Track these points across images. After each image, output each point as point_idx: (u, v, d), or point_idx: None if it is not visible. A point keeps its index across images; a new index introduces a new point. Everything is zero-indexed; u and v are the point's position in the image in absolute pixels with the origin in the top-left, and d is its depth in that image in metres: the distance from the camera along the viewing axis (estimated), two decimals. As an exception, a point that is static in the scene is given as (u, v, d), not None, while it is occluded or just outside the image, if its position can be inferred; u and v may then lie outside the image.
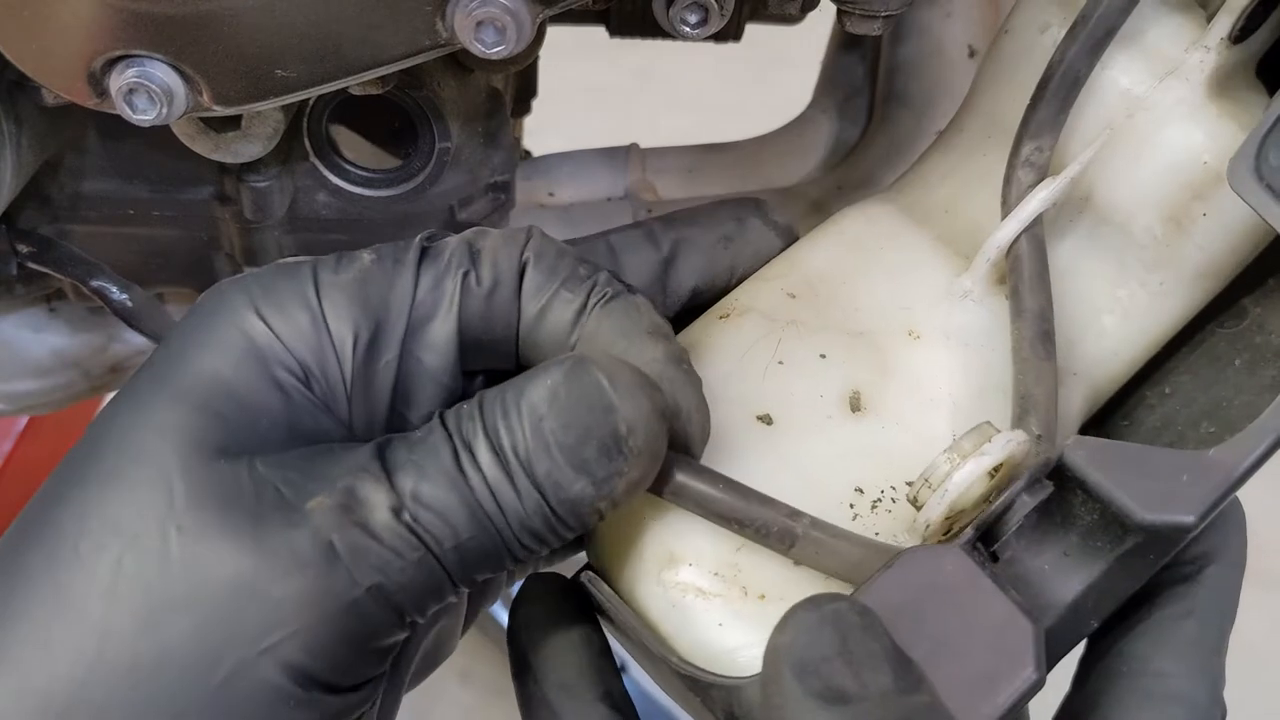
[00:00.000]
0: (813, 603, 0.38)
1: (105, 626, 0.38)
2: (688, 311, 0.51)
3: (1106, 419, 0.52)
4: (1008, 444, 0.41)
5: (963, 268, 0.50)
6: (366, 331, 0.42)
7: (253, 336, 0.42)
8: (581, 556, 0.48)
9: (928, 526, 0.42)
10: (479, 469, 0.40)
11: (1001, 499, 0.41)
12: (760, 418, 0.47)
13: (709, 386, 0.45)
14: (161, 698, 0.38)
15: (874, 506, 0.45)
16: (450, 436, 0.40)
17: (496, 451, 0.40)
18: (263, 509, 0.39)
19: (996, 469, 0.42)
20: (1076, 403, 0.49)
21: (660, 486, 0.42)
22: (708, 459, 0.45)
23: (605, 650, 0.46)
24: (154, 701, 0.38)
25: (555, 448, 0.39)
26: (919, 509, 0.42)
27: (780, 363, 0.48)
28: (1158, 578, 0.42)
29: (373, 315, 0.42)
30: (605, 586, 0.45)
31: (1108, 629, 0.43)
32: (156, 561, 0.38)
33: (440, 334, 0.43)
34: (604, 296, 0.44)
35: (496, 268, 0.44)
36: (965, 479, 0.41)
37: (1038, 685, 0.38)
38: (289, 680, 0.38)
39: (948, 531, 0.43)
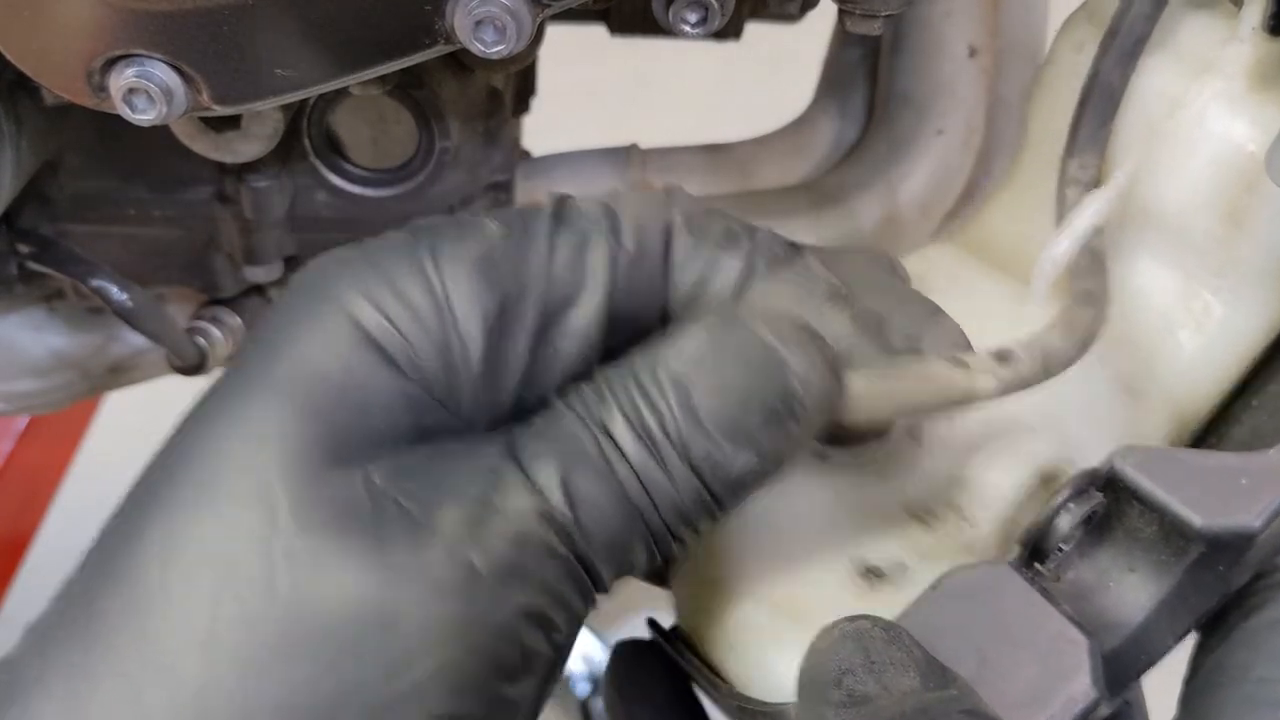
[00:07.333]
0: (837, 624, 0.37)
1: (204, 680, 0.32)
2: None
3: (1200, 441, 0.50)
4: (1049, 447, 0.40)
5: (1028, 296, 0.49)
6: (496, 317, 0.36)
7: (363, 324, 0.35)
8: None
9: (981, 541, 0.41)
10: (623, 455, 0.34)
11: (1044, 510, 0.40)
12: (816, 453, 0.45)
13: None
14: None
15: (942, 533, 0.43)
16: (584, 421, 0.35)
17: (639, 433, 0.35)
18: (385, 527, 0.33)
19: (1053, 480, 0.41)
20: (1157, 423, 0.48)
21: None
22: (760, 496, 0.43)
23: (696, 713, 0.44)
24: None
25: (711, 421, 0.34)
26: (971, 525, 0.41)
27: None
28: (1253, 586, 0.40)
29: (503, 298, 0.36)
30: (665, 630, 0.44)
31: (1206, 646, 0.41)
32: (261, 596, 0.32)
33: (583, 318, 0.37)
34: (769, 259, 0.38)
35: (641, 234, 0.38)
36: (1010, 486, 0.40)
37: (1095, 703, 0.36)
38: None
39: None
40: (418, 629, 0.33)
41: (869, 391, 0.38)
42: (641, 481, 0.35)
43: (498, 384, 0.37)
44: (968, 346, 0.42)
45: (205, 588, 0.33)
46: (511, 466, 0.35)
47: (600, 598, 0.37)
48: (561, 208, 0.38)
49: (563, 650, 0.37)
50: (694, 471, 0.35)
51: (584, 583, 0.35)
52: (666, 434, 0.35)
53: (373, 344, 0.35)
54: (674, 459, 0.35)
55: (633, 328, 0.38)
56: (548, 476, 0.34)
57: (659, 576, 0.49)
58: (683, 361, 0.35)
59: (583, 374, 0.37)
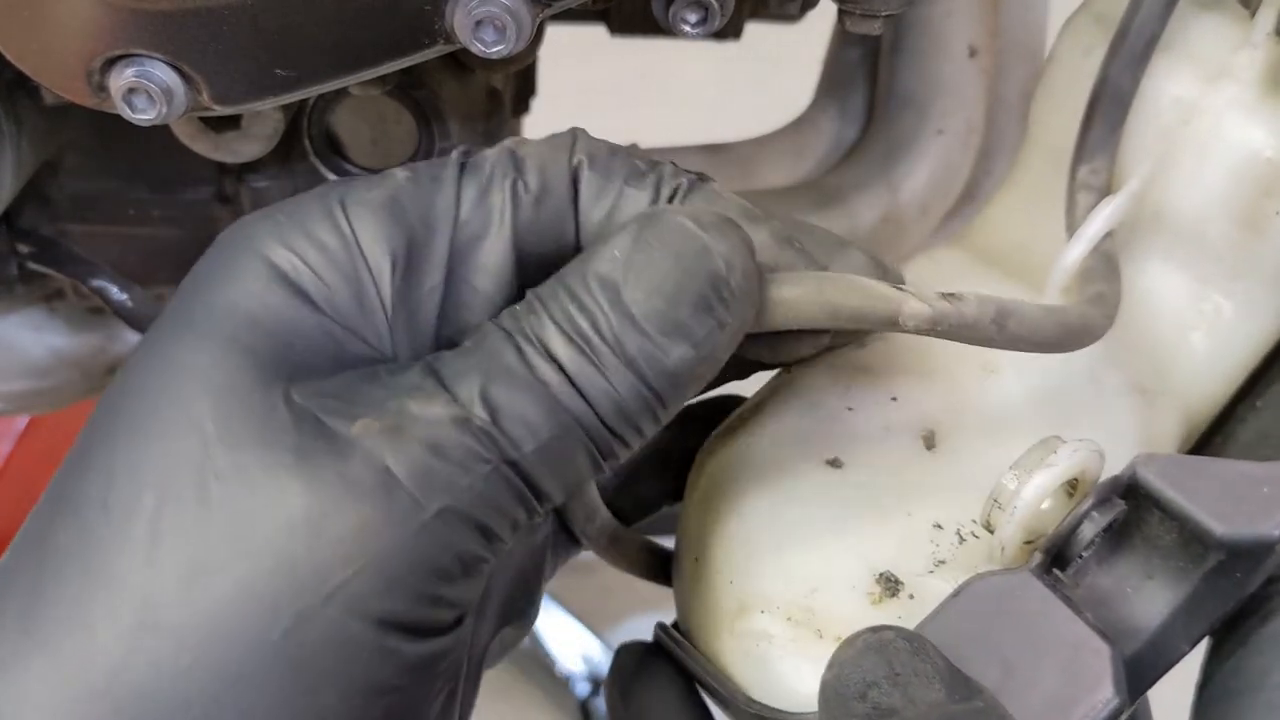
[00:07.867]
0: (859, 635, 0.36)
1: (145, 594, 0.34)
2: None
3: (1206, 441, 0.50)
4: (1074, 453, 0.39)
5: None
6: (404, 253, 0.38)
7: (277, 263, 0.38)
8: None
9: (1003, 550, 0.40)
10: (553, 361, 0.35)
11: (1068, 518, 0.39)
12: (830, 462, 0.45)
13: (776, 436, 0.44)
14: (212, 664, 0.33)
15: (958, 541, 0.43)
16: (511, 335, 0.36)
17: (572, 337, 0.35)
18: (305, 441, 0.35)
19: (1074, 485, 0.40)
20: (1169, 425, 0.48)
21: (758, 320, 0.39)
22: (772, 504, 0.43)
23: (702, 717, 0.44)
24: (204, 671, 0.33)
25: (642, 316, 0.35)
26: (992, 533, 0.40)
27: (850, 409, 0.46)
28: (1268, 591, 0.40)
29: (411, 235, 0.38)
30: (677, 635, 0.44)
31: (1221, 652, 0.41)
32: (194, 514, 0.34)
33: (492, 254, 0.39)
34: (677, 188, 0.40)
35: (545, 173, 0.39)
36: (1034, 494, 0.39)
37: (1119, 709, 0.36)
38: (363, 624, 0.34)
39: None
40: (342, 532, 0.34)
41: (795, 294, 0.39)
42: (576, 385, 0.36)
43: (415, 320, 0.39)
44: (879, 276, 0.43)
45: (145, 508, 0.35)
46: (431, 381, 0.36)
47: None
48: (467, 157, 0.40)
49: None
50: (630, 367, 0.36)
51: (520, 490, 0.36)
52: (599, 333, 0.35)
53: (287, 281, 0.37)
54: (608, 357, 0.35)
55: (548, 266, 0.39)
56: (468, 389, 0.35)
57: (662, 574, 0.49)
58: (610, 262, 0.36)
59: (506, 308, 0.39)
